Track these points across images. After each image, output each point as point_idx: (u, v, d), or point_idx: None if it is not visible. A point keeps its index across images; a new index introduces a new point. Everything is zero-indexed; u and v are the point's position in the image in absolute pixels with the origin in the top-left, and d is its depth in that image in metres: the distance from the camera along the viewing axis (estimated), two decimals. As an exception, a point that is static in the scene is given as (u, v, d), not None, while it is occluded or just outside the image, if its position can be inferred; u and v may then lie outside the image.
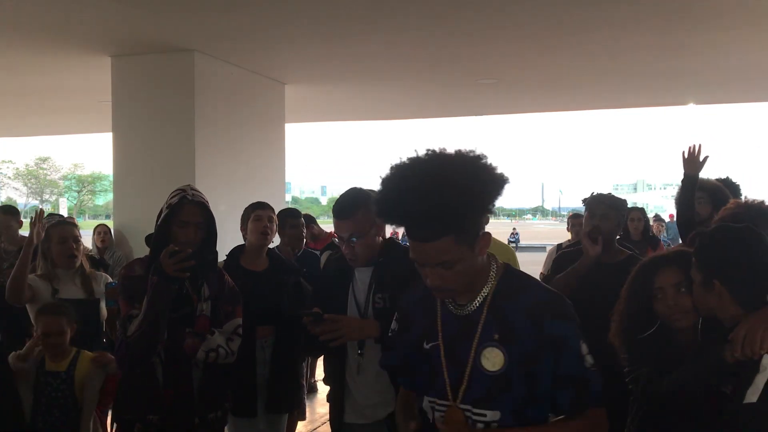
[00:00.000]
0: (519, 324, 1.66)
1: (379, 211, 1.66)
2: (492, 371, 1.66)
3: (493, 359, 1.66)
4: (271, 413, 3.42)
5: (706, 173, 3.72)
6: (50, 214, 4.97)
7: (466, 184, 1.55)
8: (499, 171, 1.64)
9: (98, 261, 4.54)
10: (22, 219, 5.31)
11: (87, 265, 3.83)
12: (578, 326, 1.70)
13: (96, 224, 6.92)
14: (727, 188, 3.84)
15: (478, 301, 1.71)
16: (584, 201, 3.56)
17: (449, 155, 1.61)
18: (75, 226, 3.93)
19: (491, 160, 1.63)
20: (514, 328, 1.66)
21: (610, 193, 3.55)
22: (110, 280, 3.87)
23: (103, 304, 3.76)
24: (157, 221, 2.68)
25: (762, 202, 2.91)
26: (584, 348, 1.69)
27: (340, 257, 2.68)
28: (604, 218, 3.34)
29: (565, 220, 7.13)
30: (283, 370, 3.41)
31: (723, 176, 4.12)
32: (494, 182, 1.62)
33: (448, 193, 1.52)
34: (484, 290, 1.71)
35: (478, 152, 1.63)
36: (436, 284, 1.64)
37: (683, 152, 3.60)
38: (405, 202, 1.56)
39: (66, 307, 3.39)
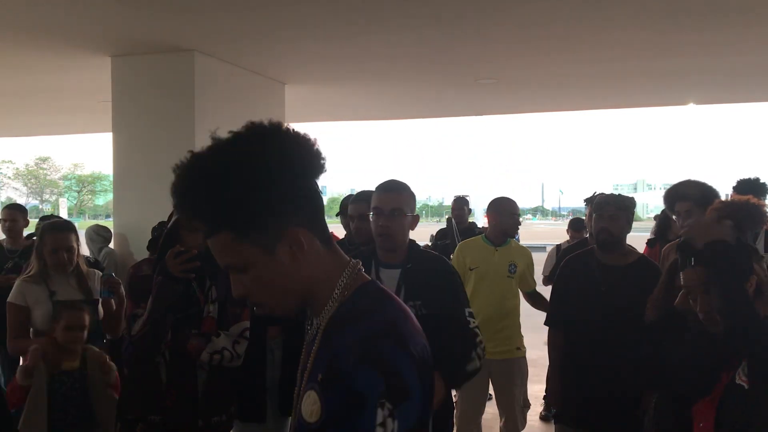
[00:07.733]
0: (342, 364, 1.17)
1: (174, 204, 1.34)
2: (309, 422, 1.19)
3: (310, 407, 1.20)
4: (285, 415, 3.39)
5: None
6: (43, 216, 4.89)
7: (229, 172, 1.22)
8: (298, 150, 1.24)
9: (93, 264, 4.46)
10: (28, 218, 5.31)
11: (84, 266, 3.74)
12: (390, 381, 1.15)
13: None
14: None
15: (318, 325, 1.30)
16: (588, 201, 3.47)
17: (226, 140, 1.27)
18: (70, 231, 3.68)
19: (292, 136, 1.24)
20: (337, 368, 1.18)
21: (619, 194, 3.44)
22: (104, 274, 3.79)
23: (100, 306, 3.68)
24: (166, 223, 2.68)
25: (747, 201, 2.88)
26: (380, 416, 1.13)
27: (362, 253, 2.67)
28: (613, 220, 3.25)
29: (565, 220, 7.13)
30: (294, 369, 3.37)
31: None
32: (284, 166, 1.22)
33: (207, 183, 1.24)
34: (327, 311, 1.29)
35: (269, 127, 1.24)
36: (239, 293, 1.29)
37: None
38: (180, 195, 1.29)
39: (83, 302, 3.42)
